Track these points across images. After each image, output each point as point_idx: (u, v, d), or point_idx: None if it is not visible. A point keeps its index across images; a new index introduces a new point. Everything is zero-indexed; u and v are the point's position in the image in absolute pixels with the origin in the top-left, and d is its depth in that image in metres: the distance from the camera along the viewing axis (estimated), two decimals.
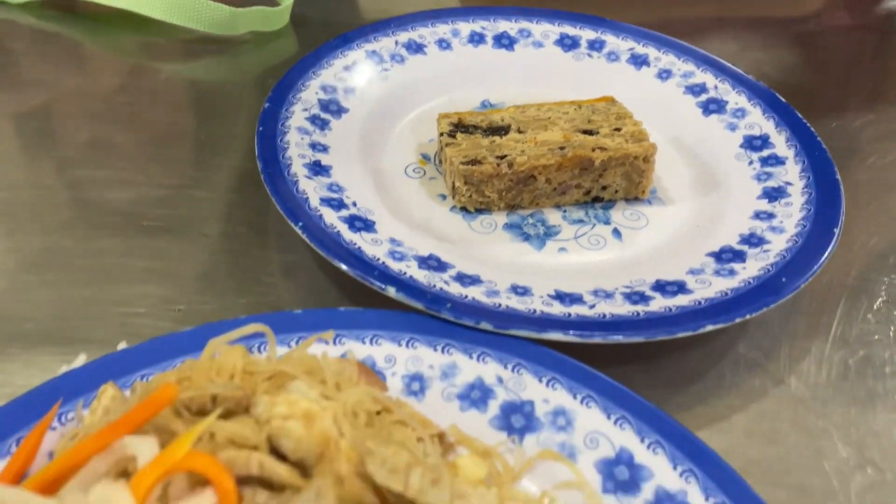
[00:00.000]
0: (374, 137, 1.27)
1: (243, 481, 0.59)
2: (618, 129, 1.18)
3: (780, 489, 0.86)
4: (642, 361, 0.99)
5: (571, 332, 0.90)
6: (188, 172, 1.26)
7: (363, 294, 0.98)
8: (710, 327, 0.92)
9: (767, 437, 0.91)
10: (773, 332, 1.04)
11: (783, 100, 1.31)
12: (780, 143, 1.25)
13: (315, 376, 0.71)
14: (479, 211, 1.16)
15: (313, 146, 1.19)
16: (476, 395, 0.86)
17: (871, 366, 1.01)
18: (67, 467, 0.61)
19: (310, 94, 1.27)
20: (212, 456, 0.58)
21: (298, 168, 1.12)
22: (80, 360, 0.86)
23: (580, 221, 1.16)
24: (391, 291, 0.93)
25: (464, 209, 1.16)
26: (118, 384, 0.80)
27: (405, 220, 1.11)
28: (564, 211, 1.18)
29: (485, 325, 0.90)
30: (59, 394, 0.79)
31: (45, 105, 1.37)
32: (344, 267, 0.96)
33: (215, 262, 1.10)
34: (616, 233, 1.15)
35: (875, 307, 1.09)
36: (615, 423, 0.82)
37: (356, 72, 1.35)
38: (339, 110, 1.28)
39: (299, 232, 1.00)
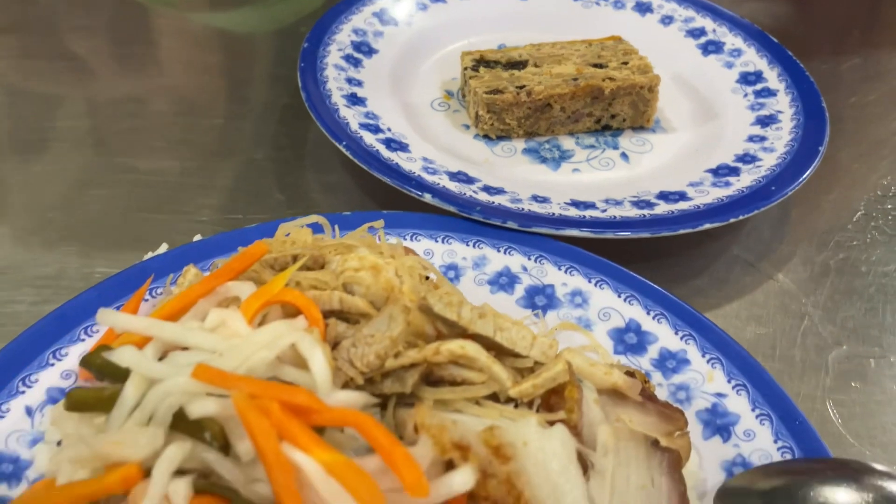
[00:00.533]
0: (402, 75, 1.40)
1: (325, 316, 0.73)
2: (625, 63, 1.31)
3: (768, 360, 0.99)
4: (647, 262, 1.11)
5: (586, 229, 1.03)
6: (234, 108, 1.39)
7: (397, 208, 1.10)
8: (707, 225, 1.05)
9: (757, 321, 1.05)
10: (764, 237, 1.17)
11: (776, 40, 1.44)
12: (773, 78, 1.37)
13: (373, 249, 0.84)
14: (500, 138, 1.29)
15: (349, 80, 1.31)
16: (504, 281, 0.99)
17: (850, 266, 1.14)
18: (178, 308, 0.74)
19: (343, 37, 1.40)
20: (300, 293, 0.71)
21: (338, 98, 1.25)
22: (163, 248, 0.99)
23: (591, 146, 1.29)
24: (427, 197, 1.06)
25: (486, 136, 1.29)
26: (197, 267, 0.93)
27: (434, 145, 1.24)
28: (577, 137, 1.30)
29: (511, 224, 1.03)
30: (149, 273, 0.92)
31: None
32: (386, 179, 1.09)
33: (264, 181, 1.23)
34: (624, 156, 1.28)
35: (854, 219, 1.22)
36: (625, 300, 0.95)
37: (384, 17, 1.47)
38: (370, 51, 1.40)
39: (343, 150, 1.13)
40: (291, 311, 0.72)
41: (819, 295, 1.09)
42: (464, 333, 0.72)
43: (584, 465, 0.64)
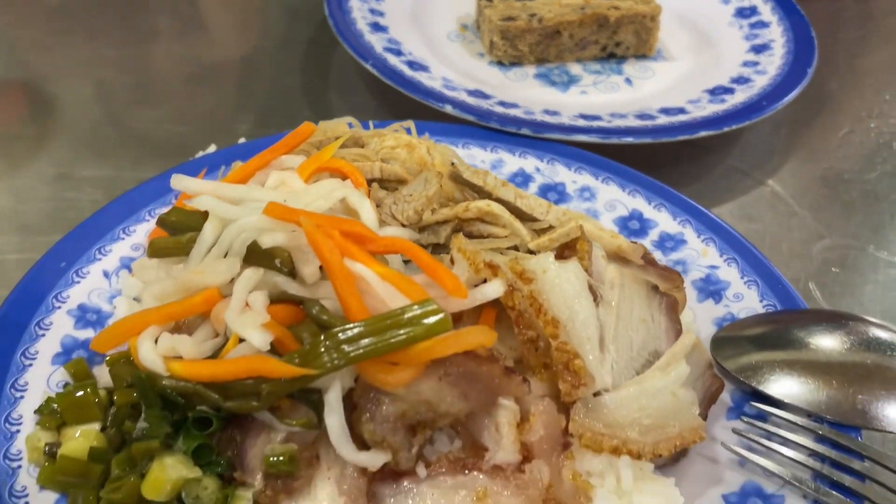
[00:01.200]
0: (421, 7, 1.49)
1: (367, 183, 0.83)
2: None
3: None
4: (649, 170, 1.21)
5: (594, 135, 1.13)
6: (263, 42, 1.50)
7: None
8: (703, 133, 1.15)
9: (749, 217, 1.16)
10: (757, 151, 1.28)
11: None
12: (766, 12, 1.47)
13: (403, 139, 0.94)
14: (513, 64, 1.39)
15: (371, 11, 1.41)
16: (519, 181, 1.10)
17: (834, 175, 1.24)
18: (239, 178, 0.85)
19: None
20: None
21: (362, 25, 1.35)
22: (212, 148, 1.10)
23: (598, 72, 1.39)
24: (448, 108, 1.16)
25: (500, 63, 1.39)
26: None
27: (452, 68, 1.34)
28: (584, 64, 1.41)
29: (525, 131, 1.13)
30: (203, 166, 1.02)
31: None
32: (409, 93, 1.19)
33: (294, 102, 1.33)
34: (628, 81, 1.38)
35: (840, 135, 1.33)
36: (628, 193, 1.06)
37: None
38: None
39: (370, 68, 1.23)
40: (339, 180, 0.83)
41: (806, 198, 1.19)
42: (489, 198, 0.83)
43: (595, 295, 0.75)
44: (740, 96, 1.25)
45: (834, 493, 0.71)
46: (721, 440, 0.78)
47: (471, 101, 1.20)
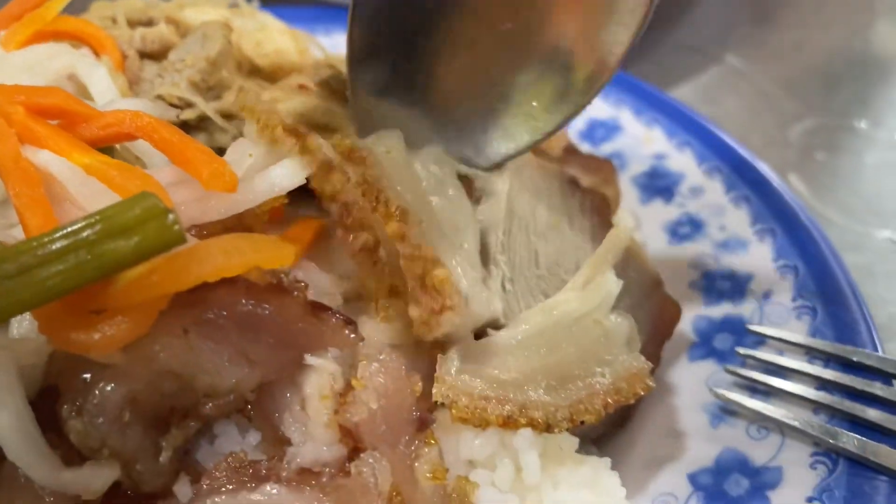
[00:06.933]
0: None
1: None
2: None
3: None
4: None
5: None
6: None
7: None
8: None
9: (708, 101, 0.90)
10: (710, 24, 1.02)
11: None
12: None
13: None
14: None
15: None
16: None
17: (801, 43, 0.99)
18: None
19: None
20: None
21: None
22: None
23: None
24: None
25: None
26: None
27: None
28: None
29: None
30: None
31: None
32: None
33: None
34: None
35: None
36: None
37: None
38: None
39: None
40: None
41: (777, 73, 0.94)
42: None
43: (470, 188, 0.49)
44: None
45: (854, 435, 0.46)
46: (685, 397, 0.52)
47: None
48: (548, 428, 0.43)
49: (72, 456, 0.38)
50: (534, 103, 0.52)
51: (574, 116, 0.53)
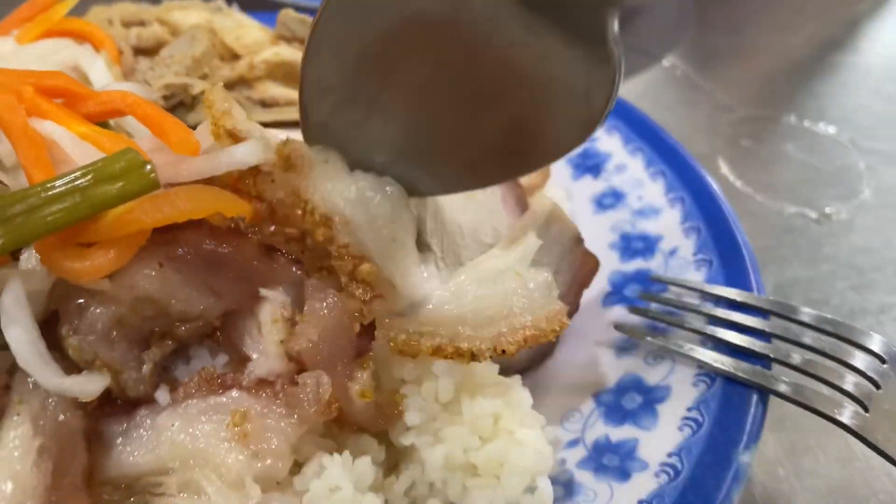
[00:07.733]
0: None
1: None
2: None
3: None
4: None
5: None
6: None
7: None
8: None
9: (646, 98, 0.99)
10: (657, 27, 1.11)
11: None
12: None
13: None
14: None
15: None
16: None
17: (738, 44, 1.08)
18: None
19: None
20: None
21: None
22: None
23: None
24: None
25: None
26: None
27: None
28: None
29: None
30: None
31: None
32: None
33: None
34: None
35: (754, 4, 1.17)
36: None
37: None
38: None
39: None
40: None
41: (712, 72, 1.03)
42: None
43: None
44: None
45: (730, 358, 0.54)
46: (598, 336, 0.61)
47: None
48: (473, 357, 0.50)
49: (71, 369, 0.46)
50: (479, 160, 0.52)
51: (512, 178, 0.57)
